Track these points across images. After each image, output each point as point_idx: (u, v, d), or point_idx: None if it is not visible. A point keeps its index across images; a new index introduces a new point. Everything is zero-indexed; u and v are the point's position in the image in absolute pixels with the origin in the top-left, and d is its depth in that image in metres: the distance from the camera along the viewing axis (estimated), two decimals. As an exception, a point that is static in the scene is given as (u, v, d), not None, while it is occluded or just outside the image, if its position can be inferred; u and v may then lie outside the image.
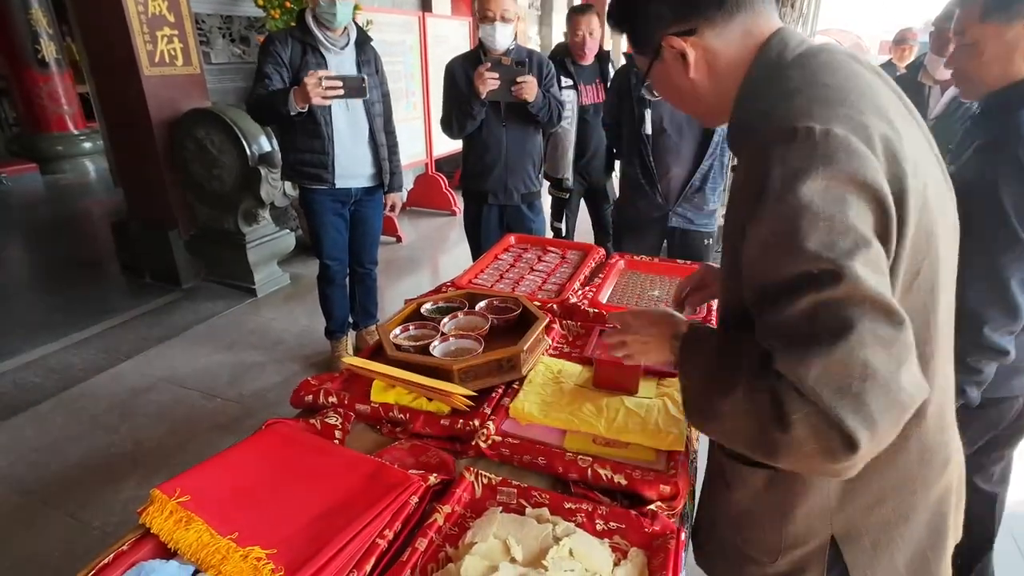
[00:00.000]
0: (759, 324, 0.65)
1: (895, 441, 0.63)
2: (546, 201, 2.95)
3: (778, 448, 0.62)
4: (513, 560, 0.82)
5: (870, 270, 0.59)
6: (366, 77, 2.31)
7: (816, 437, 0.58)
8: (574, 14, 3.03)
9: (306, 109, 2.25)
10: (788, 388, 0.59)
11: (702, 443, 1.30)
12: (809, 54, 0.72)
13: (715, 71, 0.77)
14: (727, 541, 0.92)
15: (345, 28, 2.46)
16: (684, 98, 0.84)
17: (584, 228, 3.60)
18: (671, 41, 0.76)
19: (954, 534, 0.86)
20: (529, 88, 2.31)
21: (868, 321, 0.57)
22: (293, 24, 2.50)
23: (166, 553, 0.83)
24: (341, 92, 2.20)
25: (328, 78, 2.16)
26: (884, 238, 0.63)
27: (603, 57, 3.15)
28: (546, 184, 2.98)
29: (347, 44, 2.48)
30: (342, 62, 2.47)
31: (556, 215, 3.38)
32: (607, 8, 0.90)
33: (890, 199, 0.62)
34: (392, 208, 2.84)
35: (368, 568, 0.82)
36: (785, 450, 0.61)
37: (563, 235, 3.39)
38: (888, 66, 4.33)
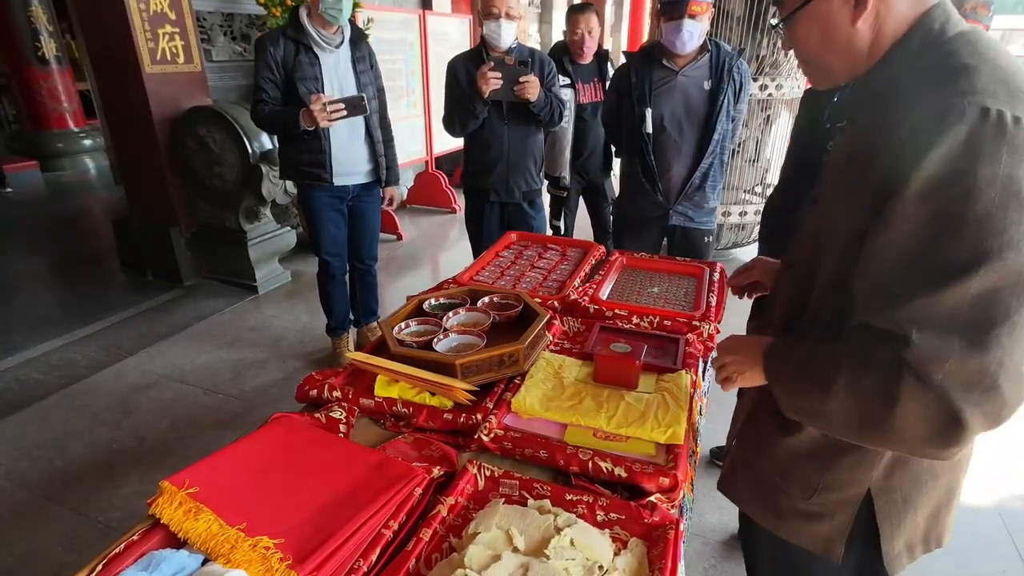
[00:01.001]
0: (894, 307, 0.64)
1: None
2: (545, 199, 2.97)
3: (885, 431, 0.65)
4: (516, 550, 0.84)
5: None
6: (365, 94, 2.42)
7: (926, 421, 0.62)
8: (573, 12, 3.04)
9: (313, 128, 2.36)
10: (908, 374, 0.62)
11: (704, 435, 1.31)
12: (974, 32, 0.70)
13: (881, 26, 0.73)
14: (764, 475, 0.95)
15: (340, 26, 2.46)
16: (829, 46, 0.77)
17: (583, 227, 3.61)
18: None
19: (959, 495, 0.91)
20: (531, 88, 2.32)
21: (1020, 316, 0.59)
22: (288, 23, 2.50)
23: (176, 543, 0.85)
24: (344, 113, 2.32)
25: (331, 102, 2.28)
26: None
27: (602, 56, 3.16)
28: (544, 183, 3.00)
29: (342, 42, 2.48)
30: (337, 61, 2.48)
31: (555, 213, 3.40)
32: None
33: None
34: (390, 202, 2.85)
35: (374, 558, 0.83)
36: (891, 434, 0.64)
37: (562, 233, 3.41)
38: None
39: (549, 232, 3.34)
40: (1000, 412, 0.61)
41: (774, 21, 0.82)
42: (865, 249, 0.68)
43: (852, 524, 0.86)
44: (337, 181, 2.57)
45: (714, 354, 0.99)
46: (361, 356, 1.26)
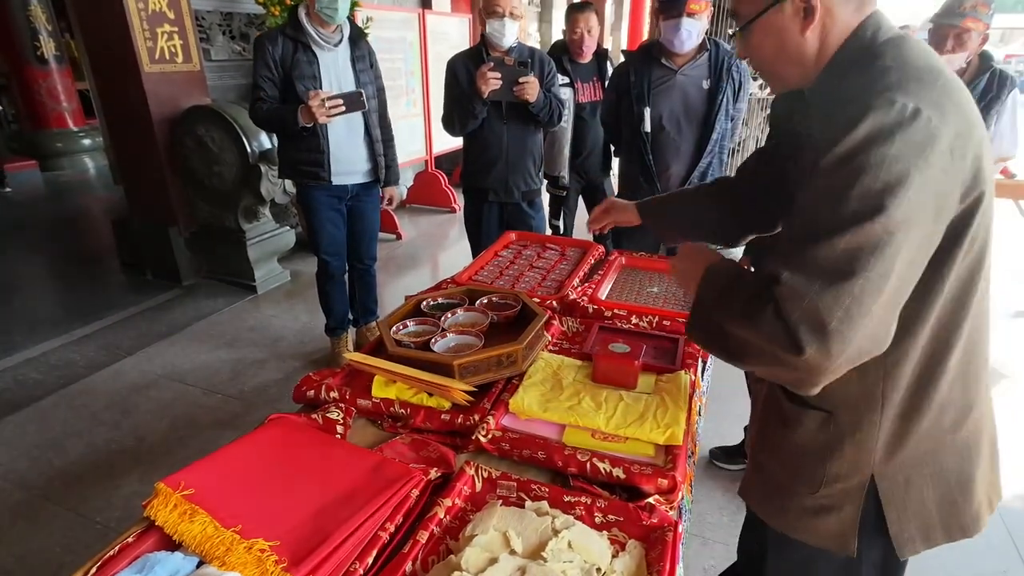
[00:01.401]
0: (784, 255, 0.73)
1: (936, 384, 0.81)
2: (545, 199, 2.96)
3: (746, 350, 0.76)
4: (513, 552, 0.84)
5: (904, 236, 0.67)
6: (363, 90, 2.41)
7: (776, 344, 0.71)
8: (573, 12, 3.03)
9: (311, 125, 2.35)
10: (771, 305, 0.71)
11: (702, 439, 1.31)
12: (900, 38, 0.77)
13: (826, 36, 0.80)
14: (773, 475, 0.96)
15: (339, 25, 2.46)
16: (781, 55, 0.83)
17: (582, 226, 3.60)
18: None
19: (990, 490, 0.94)
20: (531, 89, 2.32)
21: (874, 273, 0.67)
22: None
23: (171, 545, 0.84)
24: (343, 108, 2.32)
25: (330, 97, 2.28)
26: (940, 209, 0.70)
27: (601, 55, 3.15)
28: (544, 182, 2.99)
29: (340, 41, 2.48)
30: (335, 59, 2.48)
31: (554, 213, 3.39)
32: None
33: (955, 177, 0.69)
34: (389, 202, 2.85)
35: (370, 560, 0.83)
36: (750, 354, 0.76)
37: (561, 233, 3.40)
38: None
39: (548, 232, 3.33)
40: (836, 352, 0.68)
41: (731, 31, 0.88)
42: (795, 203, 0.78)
43: (861, 515, 0.87)
44: (336, 180, 2.56)
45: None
46: (358, 356, 1.26)
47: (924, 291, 0.75)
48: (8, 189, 6.29)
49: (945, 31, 2.20)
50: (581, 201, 3.45)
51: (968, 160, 0.70)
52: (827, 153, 0.70)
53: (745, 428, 2.33)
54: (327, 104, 2.27)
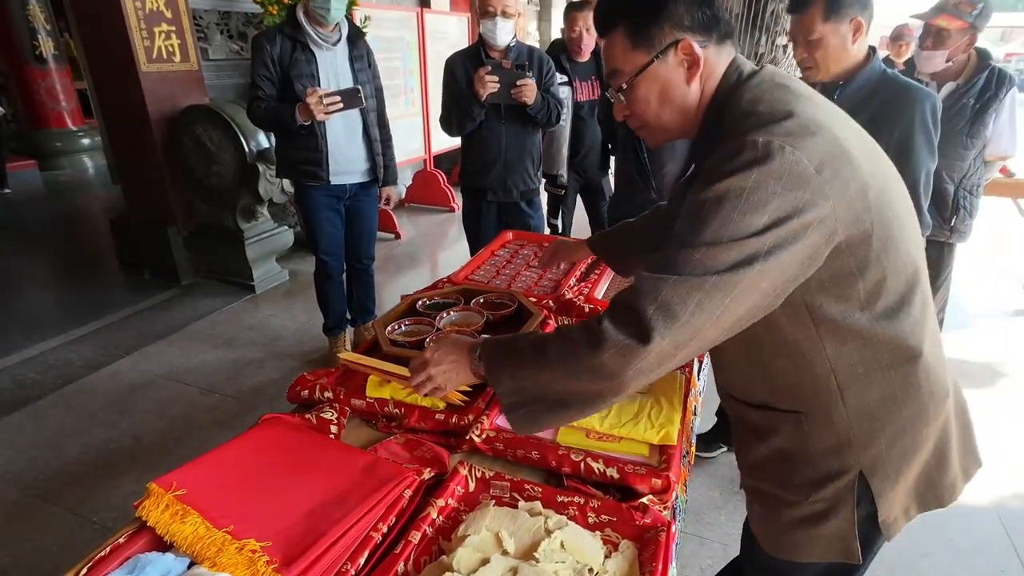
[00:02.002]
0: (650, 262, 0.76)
1: (916, 380, 0.82)
2: (544, 198, 2.96)
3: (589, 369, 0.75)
4: (505, 552, 0.83)
5: (762, 261, 0.69)
6: (361, 87, 2.40)
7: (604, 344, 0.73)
8: (572, 10, 3.02)
9: (309, 122, 2.36)
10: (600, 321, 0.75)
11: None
12: (756, 79, 0.81)
13: (705, 86, 0.84)
14: (763, 490, 0.96)
15: (337, 24, 2.45)
16: (667, 104, 0.86)
17: (581, 225, 3.60)
18: (689, 45, 0.81)
19: (966, 456, 0.94)
20: (528, 91, 2.32)
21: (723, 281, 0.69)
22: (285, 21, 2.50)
23: (162, 546, 0.84)
24: (340, 106, 2.32)
25: (327, 94, 2.28)
26: (798, 233, 0.70)
27: (600, 54, 3.14)
28: (542, 181, 2.99)
29: (339, 40, 2.48)
30: (333, 58, 2.48)
31: (552, 212, 3.39)
32: (598, 5, 0.90)
33: (817, 198, 0.70)
34: (387, 201, 2.84)
35: (362, 561, 0.83)
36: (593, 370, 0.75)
37: (560, 232, 3.39)
38: (886, 62, 4.33)
39: (547, 231, 3.33)
40: (681, 341, 0.71)
41: (610, 94, 0.89)
42: None
43: (856, 514, 0.86)
44: (334, 180, 2.56)
45: None
46: (353, 356, 1.26)
47: (841, 297, 0.77)
48: (8, 191, 6.29)
49: (927, 27, 2.22)
50: (580, 200, 3.44)
51: (845, 176, 0.71)
52: (695, 191, 0.74)
53: (717, 413, 2.33)
54: (325, 101, 2.27)
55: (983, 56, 2.29)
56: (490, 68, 2.28)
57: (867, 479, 0.85)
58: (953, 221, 2.38)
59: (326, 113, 2.30)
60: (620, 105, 0.90)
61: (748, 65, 0.84)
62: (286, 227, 4.04)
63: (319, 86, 2.40)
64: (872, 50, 1.65)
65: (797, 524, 0.91)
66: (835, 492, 0.87)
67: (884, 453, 0.85)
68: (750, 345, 0.85)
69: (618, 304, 0.75)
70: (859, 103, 1.59)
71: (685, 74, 0.83)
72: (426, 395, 0.97)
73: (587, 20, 2.99)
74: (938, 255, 2.47)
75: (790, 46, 1.80)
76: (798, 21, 1.64)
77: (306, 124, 2.35)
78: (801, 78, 1.82)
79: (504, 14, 2.34)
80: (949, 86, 2.32)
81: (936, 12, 2.16)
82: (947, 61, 2.24)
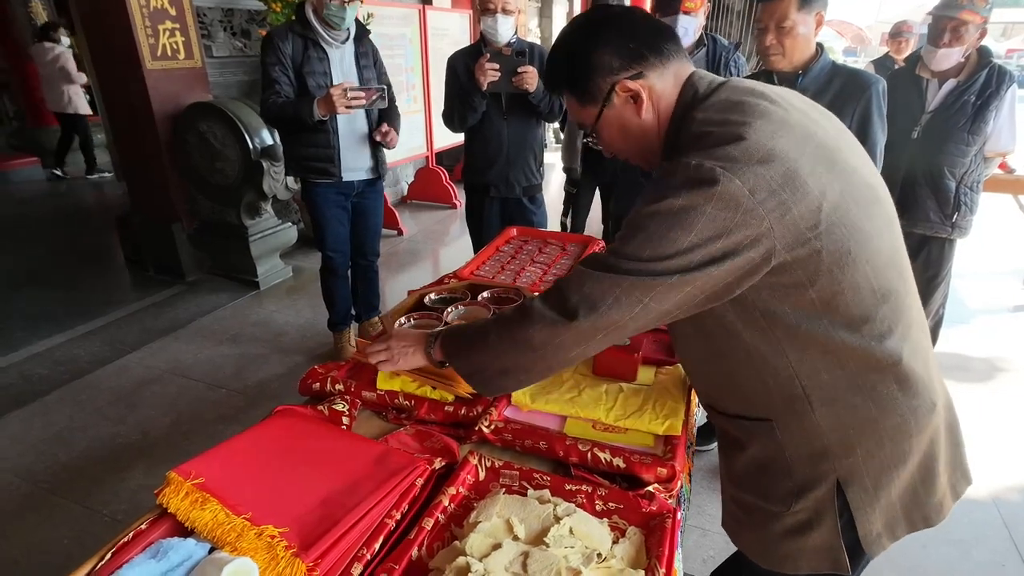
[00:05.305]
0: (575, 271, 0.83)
1: (889, 392, 0.81)
2: (558, 194, 2.91)
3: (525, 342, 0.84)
4: (516, 538, 0.86)
5: (684, 274, 0.74)
6: (385, 88, 2.42)
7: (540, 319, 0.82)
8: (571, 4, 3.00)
9: (327, 117, 2.36)
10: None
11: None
12: (713, 95, 0.83)
13: (659, 110, 0.87)
14: (747, 503, 0.96)
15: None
16: (631, 139, 0.91)
17: (595, 227, 3.56)
18: (625, 85, 0.85)
19: (954, 474, 0.93)
20: (530, 78, 2.33)
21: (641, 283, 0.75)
22: (293, 18, 2.52)
23: (183, 532, 0.86)
24: (364, 102, 2.33)
25: (353, 89, 2.29)
26: (727, 252, 0.73)
27: None
28: (560, 178, 2.93)
29: (347, 38, 2.51)
30: (343, 56, 2.51)
31: (564, 209, 3.36)
32: (543, 75, 0.97)
33: (745, 222, 0.71)
34: (386, 134, 2.61)
35: (377, 546, 0.85)
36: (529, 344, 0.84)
37: (568, 230, 3.36)
38: (886, 59, 4.34)
39: (559, 228, 3.29)
40: (599, 326, 0.79)
41: (586, 140, 0.96)
42: None
43: (841, 525, 0.86)
44: (345, 176, 2.60)
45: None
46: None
47: (796, 305, 0.78)
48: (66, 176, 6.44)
49: (943, 24, 2.21)
50: (597, 199, 3.36)
51: (783, 199, 0.72)
52: (638, 204, 0.79)
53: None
54: (349, 95, 2.27)
55: (984, 53, 2.31)
56: (490, 56, 2.30)
57: (843, 489, 0.85)
58: (954, 217, 2.40)
59: (348, 108, 2.31)
60: (605, 150, 0.97)
61: (705, 82, 0.86)
62: (290, 224, 4.06)
63: (331, 83, 2.43)
64: (820, 45, 1.83)
65: (783, 536, 0.91)
66: (816, 502, 0.87)
67: (861, 464, 0.84)
68: (713, 353, 0.88)
69: (550, 290, 0.84)
70: (819, 90, 1.78)
71: (633, 108, 0.87)
72: (377, 364, 1.10)
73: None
74: (939, 251, 2.49)
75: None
76: (772, 8, 1.74)
77: (324, 119, 2.36)
78: (764, 66, 1.89)
79: (505, 11, 2.35)
80: (950, 83, 2.33)
81: (958, 8, 2.17)
82: (964, 56, 2.26)
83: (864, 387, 0.81)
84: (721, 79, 0.87)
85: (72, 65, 6.12)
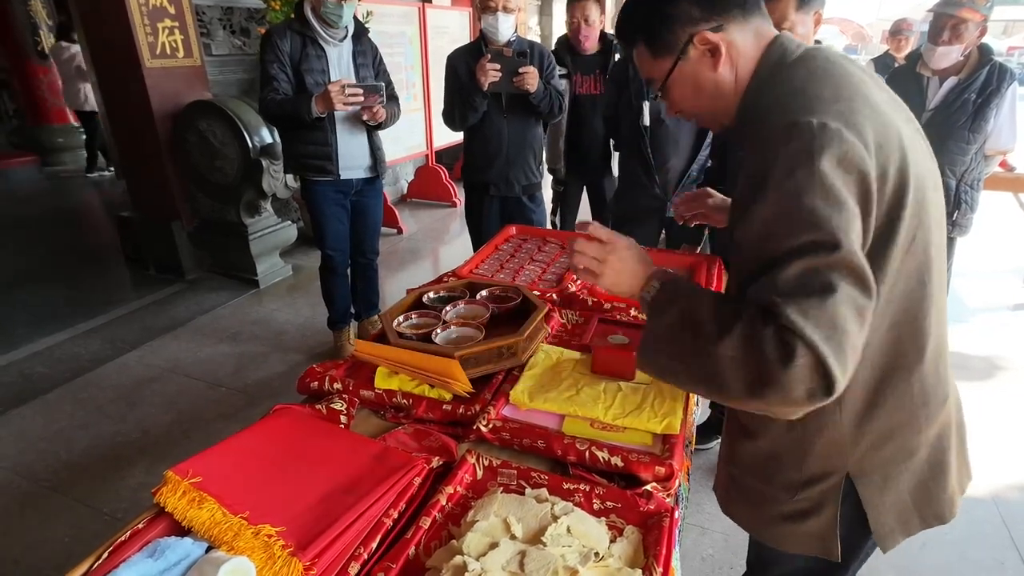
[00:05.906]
0: (756, 287, 0.70)
1: (901, 385, 0.81)
2: (548, 194, 2.95)
3: (771, 387, 0.66)
4: (513, 537, 0.86)
5: (855, 241, 0.68)
6: (384, 85, 2.42)
7: (809, 378, 0.65)
8: (571, 2, 2.99)
9: (325, 114, 2.36)
10: (792, 335, 0.64)
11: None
12: (808, 57, 0.80)
13: (737, 67, 0.83)
14: (749, 487, 0.96)
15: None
16: (703, 97, 0.87)
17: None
18: (704, 36, 0.81)
19: (961, 471, 0.93)
20: (531, 79, 2.33)
21: (848, 286, 0.66)
22: (292, 16, 2.52)
23: (180, 531, 0.86)
24: (361, 98, 2.33)
25: (351, 86, 2.29)
26: (867, 213, 0.71)
27: (609, 47, 3.08)
28: (549, 178, 2.96)
29: (345, 37, 2.51)
30: (341, 54, 2.51)
31: (552, 209, 3.37)
32: (616, 25, 0.92)
33: (875, 182, 0.70)
34: (370, 107, 2.48)
35: (374, 545, 0.85)
36: (778, 389, 0.66)
37: (558, 229, 3.38)
38: (886, 57, 4.34)
39: (550, 227, 3.32)
40: (849, 367, 0.66)
41: (652, 98, 0.91)
42: (736, 236, 0.77)
43: (840, 515, 0.87)
44: (343, 174, 2.60)
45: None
46: (367, 346, 1.28)
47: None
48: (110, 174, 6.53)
49: (943, 21, 2.21)
50: (585, 197, 3.39)
51: (888, 155, 0.72)
52: (761, 183, 0.72)
53: (711, 404, 2.35)
54: (347, 92, 2.28)
55: (985, 51, 2.30)
56: (491, 56, 2.30)
57: (854, 482, 0.85)
58: (955, 215, 2.40)
59: (345, 104, 2.31)
60: (669, 108, 0.93)
61: (795, 43, 0.82)
62: (289, 222, 4.06)
63: (328, 81, 2.43)
64: (819, 43, 1.77)
65: (779, 520, 0.91)
66: (820, 493, 0.87)
67: (871, 458, 0.84)
68: None
69: (804, 333, 0.64)
70: None
71: (710, 62, 0.83)
72: (581, 267, 0.91)
73: (584, 10, 2.93)
74: (939, 249, 2.49)
75: None
76: (771, 9, 1.76)
77: (321, 116, 2.36)
78: None
79: (505, 9, 2.35)
80: (951, 81, 2.33)
81: (957, 5, 2.17)
82: (963, 55, 2.25)
83: (887, 382, 0.82)
84: (809, 45, 0.84)
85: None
